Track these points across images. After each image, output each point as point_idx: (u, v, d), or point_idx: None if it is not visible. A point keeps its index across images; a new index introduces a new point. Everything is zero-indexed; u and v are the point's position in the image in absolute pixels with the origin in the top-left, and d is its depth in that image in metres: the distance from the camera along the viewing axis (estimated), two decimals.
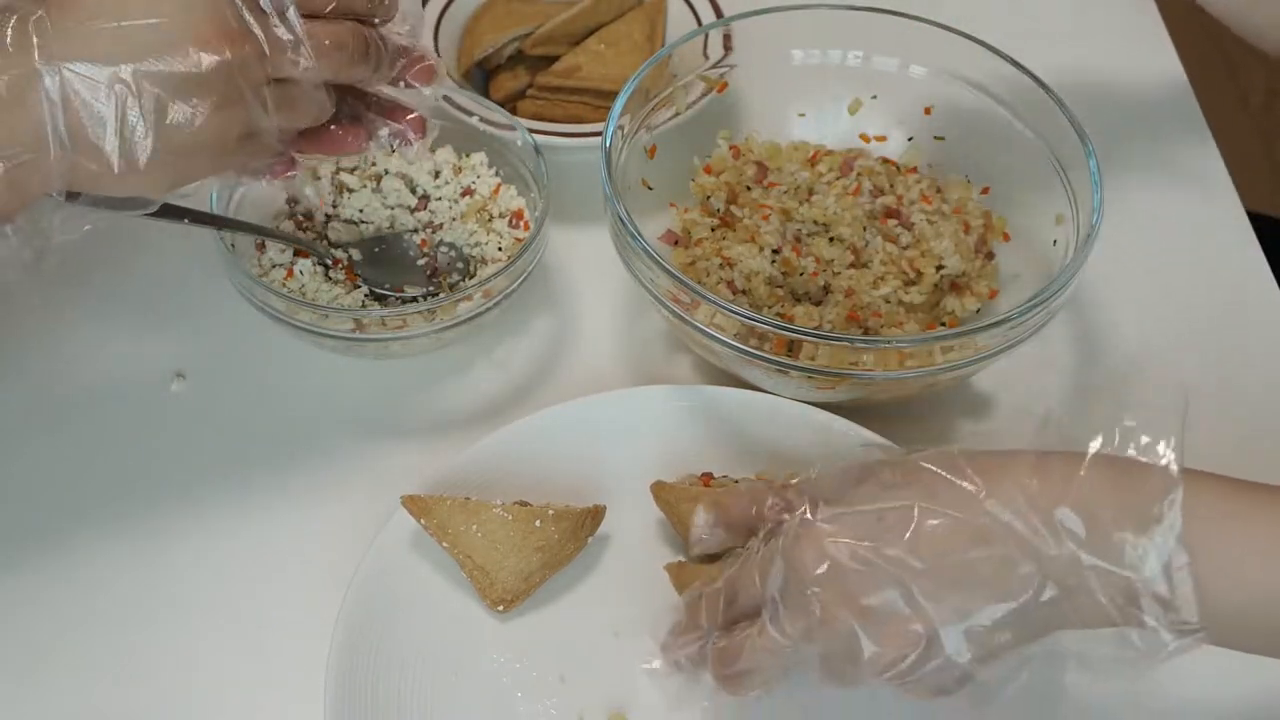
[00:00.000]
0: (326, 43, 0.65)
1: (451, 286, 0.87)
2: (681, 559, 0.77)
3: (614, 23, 1.02)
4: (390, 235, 0.89)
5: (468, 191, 0.90)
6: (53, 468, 0.82)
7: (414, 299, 0.86)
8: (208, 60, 0.60)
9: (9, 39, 0.58)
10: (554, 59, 1.00)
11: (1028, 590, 0.56)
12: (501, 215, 0.90)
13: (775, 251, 0.87)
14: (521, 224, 0.89)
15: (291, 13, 0.63)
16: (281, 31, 0.63)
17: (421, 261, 0.88)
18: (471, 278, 0.87)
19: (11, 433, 0.84)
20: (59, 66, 0.58)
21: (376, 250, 0.88)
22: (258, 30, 0.62)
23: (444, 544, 0.75)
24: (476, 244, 0.89)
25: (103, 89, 0.58)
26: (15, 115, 0.58)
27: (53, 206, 0.62)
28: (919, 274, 0.86)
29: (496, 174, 0.91)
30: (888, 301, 0.86)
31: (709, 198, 0.91)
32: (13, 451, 0.83)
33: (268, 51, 0.62)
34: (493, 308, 0.83)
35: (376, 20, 0.69)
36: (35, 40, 0.58)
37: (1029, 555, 0.56)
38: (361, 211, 0.89)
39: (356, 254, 0.87)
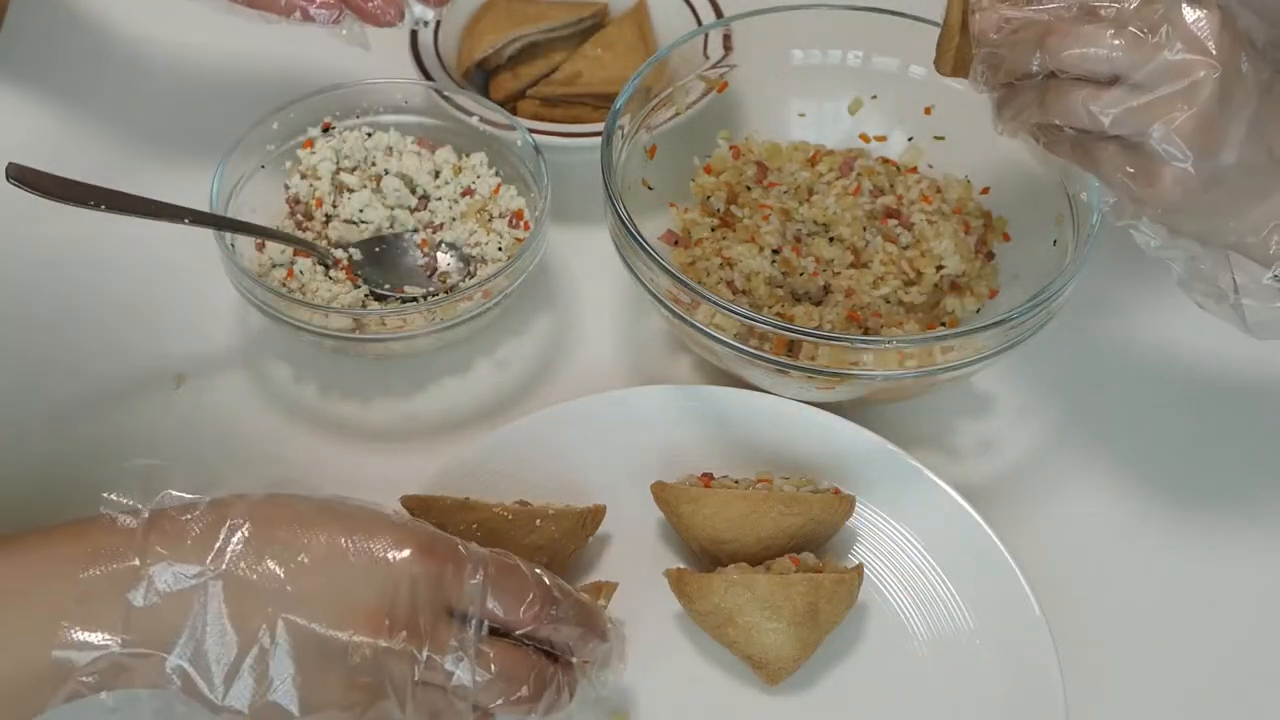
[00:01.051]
0: (494, 669, 0.59)
1: (451, 287, 0.87)
2: (681, 565, 0.77)
3: (605, 29, 1.03)
4: (390, 235, 0.89)
5: (468, 191, 0.90)
6: (54, 471, 0.82)
7: (414, 299, 0.86)
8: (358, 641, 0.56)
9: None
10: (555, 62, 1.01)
11: None
12: (501, 215, 0.90)
13: (775, 251, 0.87)
14: (521, 224, 0.89)
15: (474, 627, 0.58)
16: (453, 641, 0.57)
17: (421, 261, 0.88)
18: (471, 277, 0.87)
19: (12, 436, 0.84)
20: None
21: (376, 250, 0.88)
22: (425, 628, 0.57)
23: None
24: (476, 244, 0.88)
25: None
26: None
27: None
28: (919, 274, 0.86)
29: (496, 174, 0.91)
30: (888, 301, 0.86)
31: (709, 198, 0.91)
32: (13, 454, 0.83)
33: (425, 655, 0.57)
34: (493, 308, 0.83)
35: (572, 659, 0.63)
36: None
37: None
38: (361, 212, 0.89)
39: (357, 253, 0.87)
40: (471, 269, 0.88)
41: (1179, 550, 0.82)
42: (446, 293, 0.86)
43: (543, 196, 0.86)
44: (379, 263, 0.87)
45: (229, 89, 1.03)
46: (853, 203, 0.89)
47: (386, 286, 0.86)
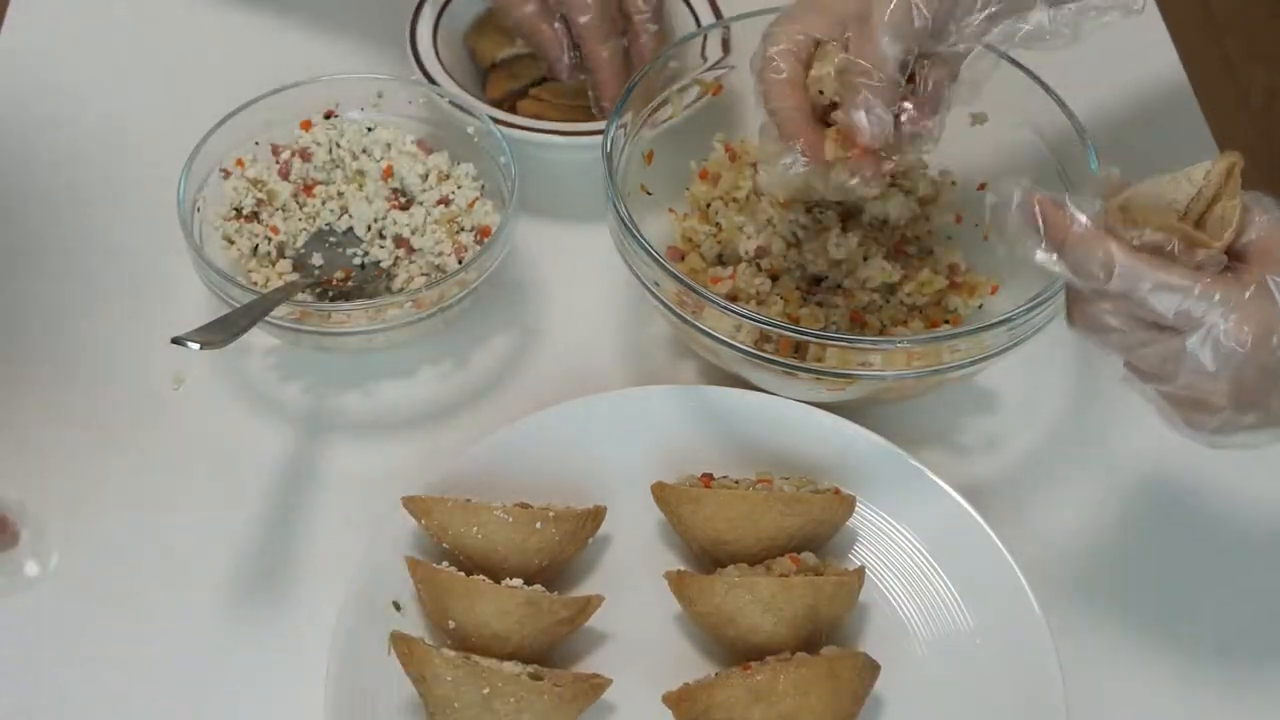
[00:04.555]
0: None
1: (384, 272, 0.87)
2: (682, 566, 0.77)
3: None
4: (369, 263, 0.88)
5: (443, 200, 0.89)
6: (55, 468, 0.82)
7: (344, 294, 0.85)
8: None
9: None
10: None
11: None
12: (470, 229, 0.88)
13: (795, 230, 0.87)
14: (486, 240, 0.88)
15: None
16: None
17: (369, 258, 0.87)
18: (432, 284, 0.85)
19: (13, 435, 0.84)
20: None
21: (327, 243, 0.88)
22: None
23: (444, 544, 0.75)
24: (440, 254, 0.87)
25: None
26: None
27: None
28: (929, 274, 0.86)
29: (482, 188, 0.90)
30: (888, 301, 0.86)
31: (708, 205, 0.90)
32: (14, 451, 0.83)
33: None
34: (427, 318, 0.82)
35: None
36: None
37: None
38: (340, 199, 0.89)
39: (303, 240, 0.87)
40: (432, 277, 0.87)
41: (1180, 550, 0.82)
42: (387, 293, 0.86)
43: (510, 201, 0.85)
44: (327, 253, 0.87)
45: (230, 89, 1.03)
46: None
47: (318, 272, 0.85)
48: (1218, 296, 0.59)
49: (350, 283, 0.86)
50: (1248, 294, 0.59)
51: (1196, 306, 0.59)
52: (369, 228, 0.88)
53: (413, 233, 0.88)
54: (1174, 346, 0.60)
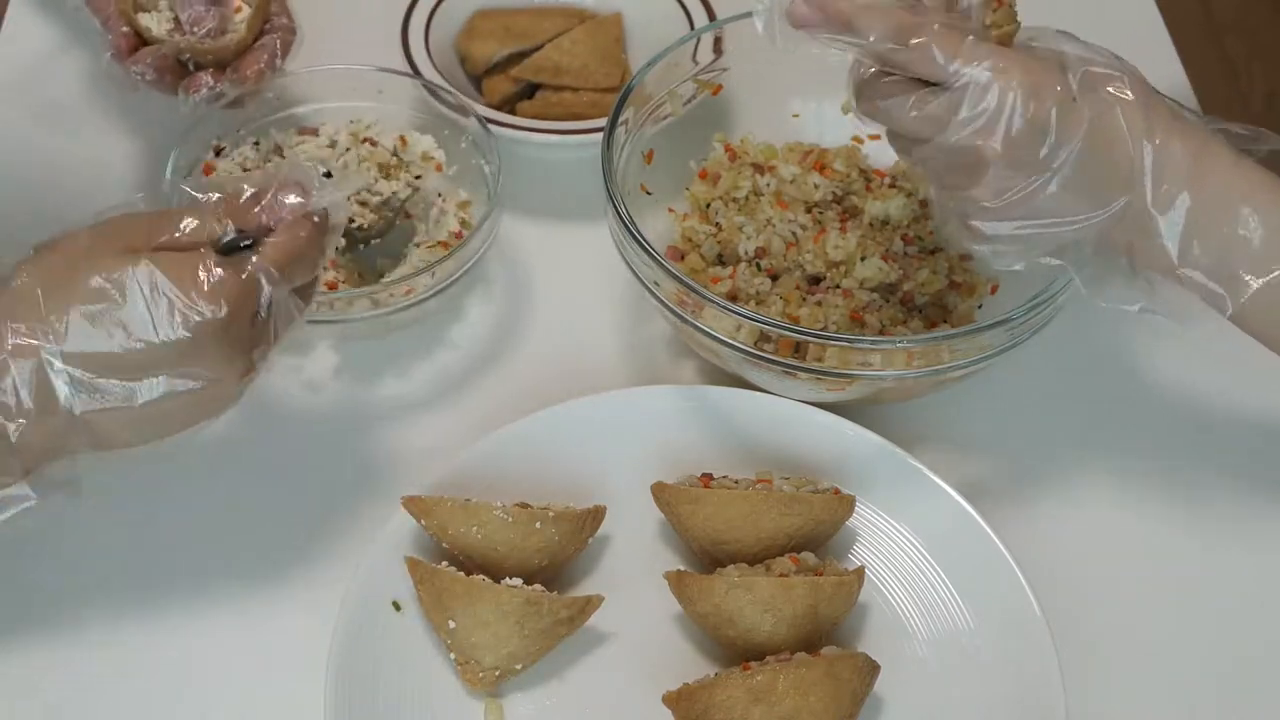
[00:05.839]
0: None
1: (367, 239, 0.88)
2: (681, 566, 0.77)
3: (584, 24, 1.03)
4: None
5: (436, 195, 0.90)
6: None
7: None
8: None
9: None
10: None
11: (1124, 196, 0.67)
12: (460, 223, 0.89)
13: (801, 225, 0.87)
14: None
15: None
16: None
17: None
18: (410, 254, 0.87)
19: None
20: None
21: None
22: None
23: (444, 544, 0.75)
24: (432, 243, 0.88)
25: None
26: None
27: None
28: (927, 277, 0.86)
29: (474, 185, 0.90)
30: (888, 301, 0.86)
31: (708, 205, 0.90)
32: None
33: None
34: (415, 305, 0.84)
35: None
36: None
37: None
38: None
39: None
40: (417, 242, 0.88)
41: (1179, 550, 0.82)
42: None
43: (493, 197, 0.86)
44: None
45: None
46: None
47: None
48: (985, 50, 0.65)
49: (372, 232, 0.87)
50: (1013, 54, 0.66)
51: (967, 56, 0.65)
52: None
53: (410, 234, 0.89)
54: (949, 97, 0.65)
